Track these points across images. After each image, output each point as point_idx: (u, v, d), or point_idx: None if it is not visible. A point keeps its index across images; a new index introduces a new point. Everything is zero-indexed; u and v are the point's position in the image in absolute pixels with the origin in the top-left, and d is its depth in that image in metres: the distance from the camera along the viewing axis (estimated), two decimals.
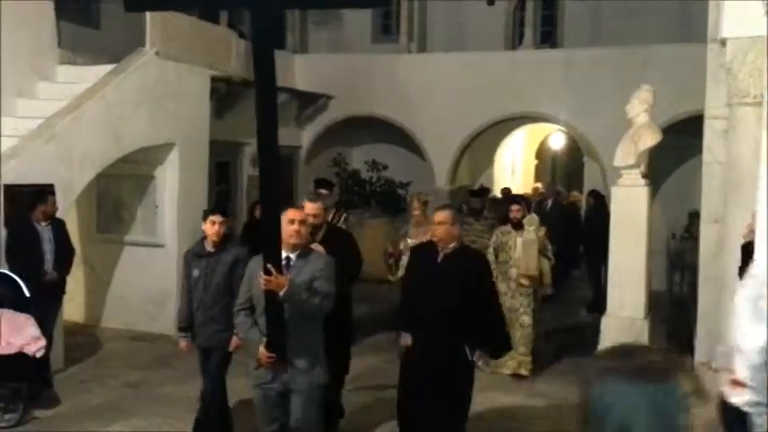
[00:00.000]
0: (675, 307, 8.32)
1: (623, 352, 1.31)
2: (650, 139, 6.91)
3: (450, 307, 4.44)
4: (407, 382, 4.66)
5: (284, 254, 3.90)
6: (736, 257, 5.34)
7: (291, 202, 7.49)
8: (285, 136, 12.62)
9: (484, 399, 6.46)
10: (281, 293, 3.75)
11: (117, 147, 8.02)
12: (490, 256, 7.06)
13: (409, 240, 7.49)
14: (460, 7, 13.62)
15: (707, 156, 6.77)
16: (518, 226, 7.22)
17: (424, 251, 4.84)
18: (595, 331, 7.29)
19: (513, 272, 7.13)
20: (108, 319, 9.07)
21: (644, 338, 6.88)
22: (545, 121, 13.18)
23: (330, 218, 6.11)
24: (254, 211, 8.86)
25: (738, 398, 3.26)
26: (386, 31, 14.71)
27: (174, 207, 8.84)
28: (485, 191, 9.92)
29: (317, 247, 4.69)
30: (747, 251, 5.12)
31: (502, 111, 12.50)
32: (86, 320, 9.12)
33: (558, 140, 16.20)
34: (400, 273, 7.48)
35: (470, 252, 4.93)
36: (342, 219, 7.25)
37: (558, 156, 18.18)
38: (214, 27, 10.32)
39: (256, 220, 8.16)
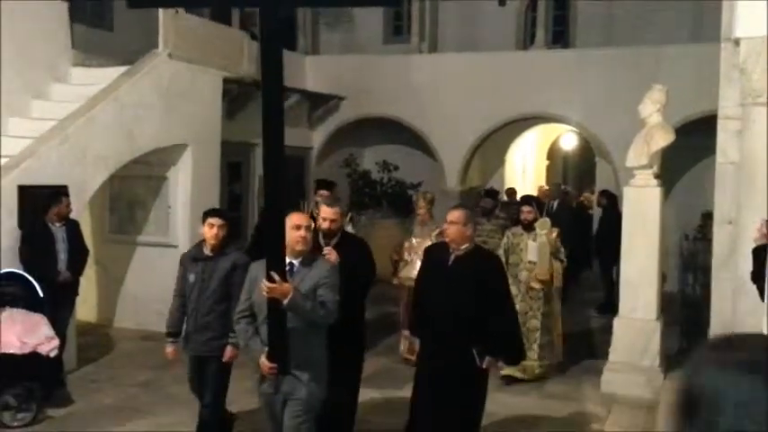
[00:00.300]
0: (688, 308, 8.26)
1: (736, 341, 1.18)
2: (663, 139, 6.87)
3: (462, 310, 4.33)
4: (419, 385, 4.57)
5: (287, 260, 3.73)
6: (748, 259, 5.30)
7: (303, 202, 7.38)
8: (296, 137, 12.68)
9: (494, 400, 6.45)
10: (285, 302, 3.58)
11: (130, 148, 8.08)
12: (501, 258, 7.01)
13: (414, 240, 7.43)
14: (472, 7, 13.61)
15: (720, 156, 6.73)
16: (529, 228, 7.13)
17: (437, 252, 4.71)
18: (605, 332, 7.27)
19: (524, 275, 7.03)
20: (120, 320, 9.12)
21: (656, 340, 6.85)
22: (556, 121, 13.14)
23: None
24: None
25: None
26: (397, 31, 14.72)
27: (186, 208, 8.89)
28: (495, 192, 9.87)
29: (330, 251, 4.61)
30: (759, 255, 5.08)
31: (513, 111, 12.47)
32: (99, 320, 9.19)
33: (569, 141, 16.15)
34: (402, 274, 7.47)
35: (484, 253, 4.79)
36: (348, 219, 7.14)
37: (569, 156, 18.13)
38: (226, 29, 10.36)
39: None
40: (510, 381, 6.86)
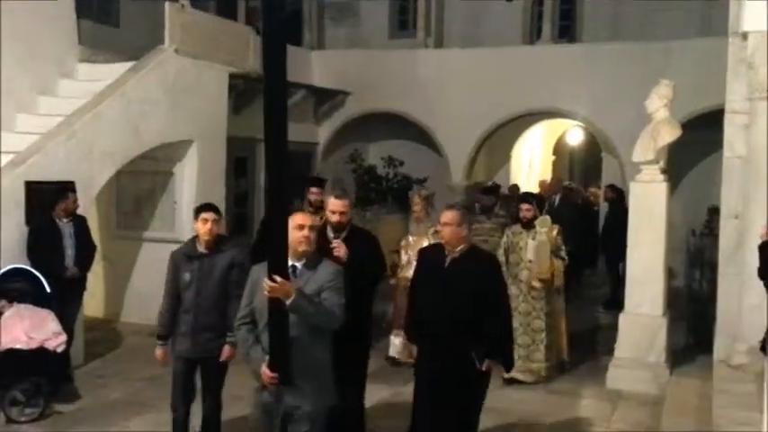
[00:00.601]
0: (695, 304, 8.24)
1: None
2: (669, 134, 6.84)
3: (459, 313, 4.20)
4: (418, 388, 4.46)
5: (289, 262, 3.51)
6: (755, 254, 5.28)
7: (298, 201, 7.11)
8: (302, 132, 12.69)
9: (499, 396, 6.45)
10: (288, 303, 3.32)
11: (136, 143, 8.09)
12: (501, 257, 6.80)
13: (410, 238, 7.30)
14: (478, 2, 13.56)
15: (727, 151, 6.70)
16: (529, 225, 6.94)
17: (432, 254, 4.56)
18: (611, 329, 7.26)
19: (525, 274, 6.86)
20: (127, 315, 9.16)
21: (662, 336, 6.84)
22: (563, 116, 13.10)
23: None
24: None
25: None
26: (403, 26, 14.68)
27: (192, 203, 8.86)
28: (495, 188, 9.57)
29: (339, 245, 4.51)
30: (766, 251, 5.07)
31: (519, 106, 12.44)
32: (106, 316, 9.22)
33: (575, 136, 16.10)
34: (400, 274, 7.25)
35: (480, 254, 4.61)
36: None
37: (575, 151, 18.07)
38: (232, 24, 10.37)
39: None
40: (512, 382, 6.68)
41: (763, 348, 5.17)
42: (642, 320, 6.87)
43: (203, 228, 4.65)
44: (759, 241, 5.28)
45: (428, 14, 13.63)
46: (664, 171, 7.00)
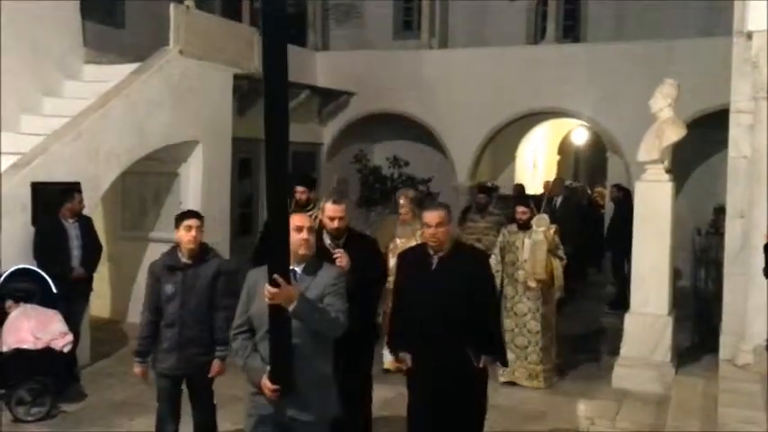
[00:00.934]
0: (700, 303, 8.23)
1: None
2: (674, 133, 6.84)
3: (454, 314, 4.02)
4: (416, 403, 4.24)
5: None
6: (761, 253, 5.27)
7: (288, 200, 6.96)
8: (307, 133, 12.72)
9: (503, 394, 6.46)
10: (291, 308, 3.10)
11: (142, 144, 8.12)
12: (496, 257, 6.72)
13: (398, 241, 6.91)
14: (482, 2, 13.57)
15: (732, 150, 6.70)
16: (525, 226, 6.77)
17: (414, 256, 4.33)
18: (617, 328, 7.25)
19: (521, 274, 6.68)
20: (133, 315, 9.12)
21: (667, 335, 6.83)
22: (567, 116, 13.09)
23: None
24: None
25: None
26: (407, 27, 14.69)
27: (197, 204, 8.90)
28: (491, 187, 9.36)
29: (341, 255, 4.30)
30: None
31: (524, 106, 12.43)
32: (112, 316, 9.25)
33: (580, 136, 16.09)
34: (393, 278, 6.99)
35: (467, 249, 4.47)
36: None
37: (580, 151, 18.06)
38: (236, 25, 10.39)
39: None
40: (513, 385, 6.61)
41: None
42: (648, 320, 6.86)
43: (187, 236, 4.36)
44: (764, 241, 5.27)
45: (432, 15, 13.63)
46: (669, 171, 6.99)
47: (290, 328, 3.17)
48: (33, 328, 5.87)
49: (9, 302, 6.02)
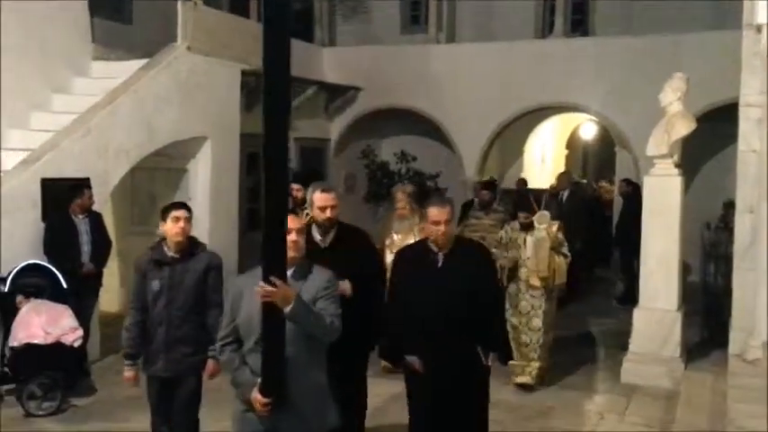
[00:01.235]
0: (709, 298, 8.19)
1: None
2: (684, 128, 6.80)
3: (462, 313, 3.92)
4: (418, 404, 4.14)
5: None
6: None
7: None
8: (314, 128, 12.73)
9: (510, 389, 6.46)
10: (287, 310, 2.87)
11: (150, 140, 8.15)
12: (499, 252, 6.54)
13: (395, 236, 6.80)
14: None
15: (742, 144, 6.65)
16: (527, 225, 6.60)
17: (414, 254, 4.20)
18: (626, 323, 7.23)
19: (523, 272, 6.54)
20: None
21: (676, 330, 6.81)
22: (576, 110, 13.04)
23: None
24: None
25: None
26: (414, 21, 14.66)
27: (206, 200, 8.96)
28: (494, 183, 9.18)
29: (344, 288, 3.90)
30: None
31: (532, 101, 12.39)
32: (121, 311, 9.24)
33: (589, 130, 16.04)
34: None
35: (468, 245, 4.36)
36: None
37: (589, 146, 18.00)
38: (244, 21, 10.41)
39: None
40: (525, 389, 6.51)
41: None
42: (657, 315, 6.84)
43: (174, 227, 4.08)
44: None
45: (439, 9, 13.61)
46: (678, 165, 6.96)
47: (284, 333, 2.93)
48: (44, 323, 5.91)
49: (20, 298, 6.07)
